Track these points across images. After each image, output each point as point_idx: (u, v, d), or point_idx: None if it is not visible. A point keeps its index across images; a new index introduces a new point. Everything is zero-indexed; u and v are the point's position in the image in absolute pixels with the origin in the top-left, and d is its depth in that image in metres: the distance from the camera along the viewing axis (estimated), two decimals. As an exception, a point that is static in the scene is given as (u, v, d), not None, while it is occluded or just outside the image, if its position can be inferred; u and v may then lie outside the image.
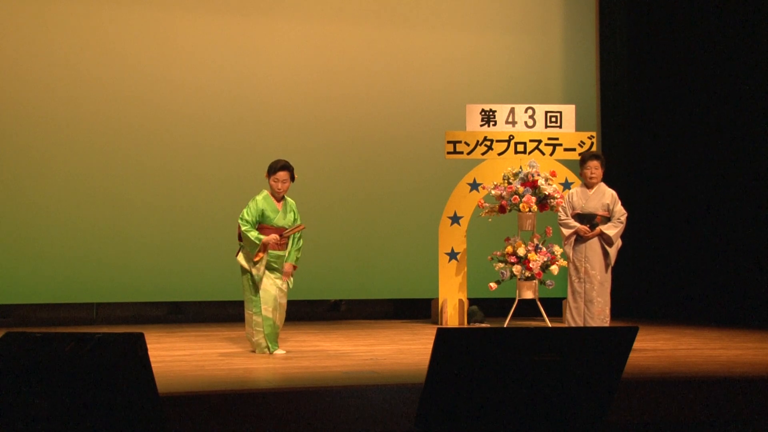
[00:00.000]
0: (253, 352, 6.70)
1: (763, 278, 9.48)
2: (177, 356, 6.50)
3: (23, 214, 9.31)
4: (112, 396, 3.51)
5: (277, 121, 10.05)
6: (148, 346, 3.63)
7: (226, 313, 9.75)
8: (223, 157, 9.86)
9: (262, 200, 6.71)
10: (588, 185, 7.21)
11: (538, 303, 8.82)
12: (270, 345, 6.66)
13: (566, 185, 9.03)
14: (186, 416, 4.32)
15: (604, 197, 7.13)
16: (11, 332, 3.76)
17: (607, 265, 7.07)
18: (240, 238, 6.77)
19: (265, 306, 6.65)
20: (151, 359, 3.65)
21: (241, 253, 6.73)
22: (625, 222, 7.11)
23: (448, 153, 9.26)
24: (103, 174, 9.55)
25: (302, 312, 9.51)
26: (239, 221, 6.66)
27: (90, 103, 9.56)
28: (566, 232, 7.17)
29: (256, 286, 6.66)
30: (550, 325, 8.39)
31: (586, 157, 7.28)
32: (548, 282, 8.89)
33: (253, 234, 6.58)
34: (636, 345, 3.83)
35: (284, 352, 6.69)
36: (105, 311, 9.66)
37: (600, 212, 7.11)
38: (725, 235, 9.90)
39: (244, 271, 6.71)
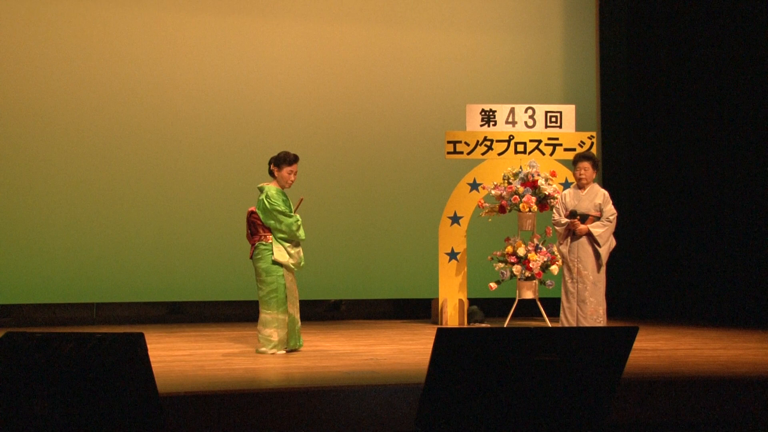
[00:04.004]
0: (262, 352, 6.64)
1: (763, 278, 9.48)
2: (177, 356, 6.50)
3: (23, 214, 9.31)
4: (112, 396, 3.51)
5: (276, 121, 10.05)
6: (148, 346, 3.63)
7: (226, 313, 9.77)
8: (224, 157, 9.86)
9: (280, 193, 6.73)
10: (579, 186, 7.22)
11: (538, 303, 8.82)
12: (292, 341, 6.70)
13: (566, 185, 9.02)
14: (186, 416, 4.32)
15: (596, 197, 7.14)
16: (11, 332, 3.76)
17: (599, 266, 7.08)
18: (253, 237, 6.73)
19: (290, 303, 6.70)
20: (151, 359, 3.65)
21: (276, 251, 6.64)
22: (614, 222, 7.12)
23: (448, 153, 9.26)
24: (104, 174, 9.56)
25: (302, 312, 9.47)
26: (280, 217, 6.61)
27: (90, 103, 9.57)
28: (559, 230, 7.21)
29: (285, 284, 6.66)
30: (550, 325, 8.39)
31: (577, 158, 7.30)
32: (548, 282, 8.89)
33: (294, 219, 6.66)
34: (636, 345, 3.82)
35: (284, 351, 6.68)
36: (105, 311, 9.66)
37: (592, 212, 7.12)
38: (725, 235, 9.91)
39: (277, 270, 6.66)
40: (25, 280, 9.28)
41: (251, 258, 6.76)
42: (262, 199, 6.69)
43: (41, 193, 9.37)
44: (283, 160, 6.72)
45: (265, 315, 6.67)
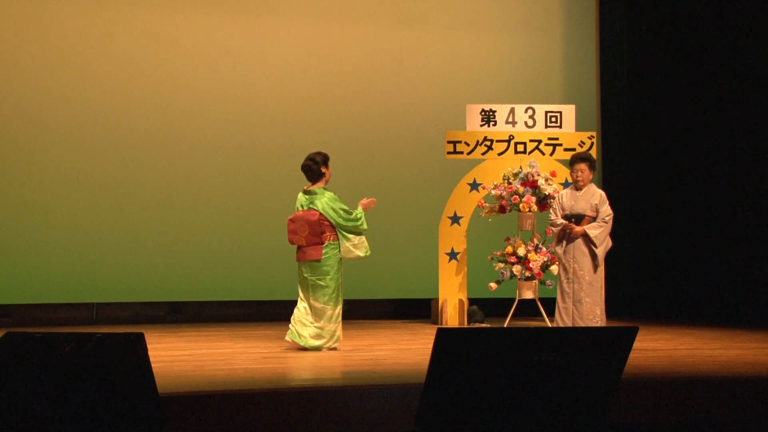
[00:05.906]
0: (329, 347, 6.76)
1: (763, 278, 9.48)
2: (177, 356, 6.50)
3: (23, 214, 9.32)
4: (112, 396, 3.51)
5: (277, 121, 10.06)
6: (148, 346, 3.63)
7: (226, 313, 9.76)
8: (223, 157, 9.87)
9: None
10: (576, 187, 7.21)
11: (538, 303, 8.82)
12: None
13: (566, 185, 9.01)
14: (186, 416, 4.32)
15: (593, 198, 7.13)
16: (11, 332, 3.76)
17: (595, 266, 7.07)
18: (322, 237, 6.74)
19: None
20: (151, 359, 3.65)
21: (345, 250, 6.81)
22: (610, 222, 7.10)
23: (448, 153, 9.25)
24: (103, 174, 9.56)
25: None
26: (353, 219, 6.80)
27: (90, 103, 9.57)
28: (555, 230, 7.21)
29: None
30: (550, 325, 8.39)
31: (574, 159, 7.28)
32: (548, 282, 8.89)
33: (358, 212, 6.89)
34: (636, 345, 3.83)
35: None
36: (105, 311, 9.66)
37: (588, 213, 7.11)
38: (725, 235, 9.91)
39: (340, 268, 6.82)
40: (25, 280, 9.28)
41: (319, 259, 6.74)
42: (327, 203, 6.76)
43: (41, 193, 9.37)
44: (328, 158, 6.91)
45: (332, 311, 6.77)
